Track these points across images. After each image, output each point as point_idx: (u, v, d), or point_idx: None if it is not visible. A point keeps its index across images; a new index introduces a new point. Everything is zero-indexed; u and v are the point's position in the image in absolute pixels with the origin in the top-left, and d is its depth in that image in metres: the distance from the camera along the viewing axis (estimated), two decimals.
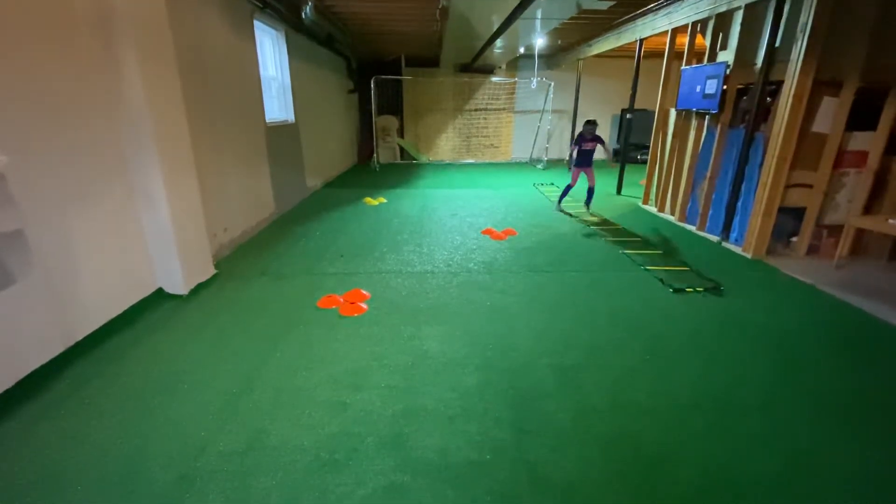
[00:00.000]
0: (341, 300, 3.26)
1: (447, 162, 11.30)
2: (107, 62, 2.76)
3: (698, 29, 5.22)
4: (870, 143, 4.02)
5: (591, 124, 5.66)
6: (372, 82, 9.64)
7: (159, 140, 2.99)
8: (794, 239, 4.40)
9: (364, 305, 3.18)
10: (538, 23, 6.68)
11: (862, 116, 3.97)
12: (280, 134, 5.77)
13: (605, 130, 12.02)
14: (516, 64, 11.30)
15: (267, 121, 5.30)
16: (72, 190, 2.56)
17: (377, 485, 1.69)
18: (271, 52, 5.97)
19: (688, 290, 3.49)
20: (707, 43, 5.04)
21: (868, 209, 4.18)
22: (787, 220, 4.38)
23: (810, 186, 4.18)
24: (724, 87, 4.58)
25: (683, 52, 5.44)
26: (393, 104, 10.86)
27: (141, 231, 3.12)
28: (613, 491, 1.68)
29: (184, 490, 1.66)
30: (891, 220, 3.64)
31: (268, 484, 1.69)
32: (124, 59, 2.79)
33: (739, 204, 4.51)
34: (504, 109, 11.61)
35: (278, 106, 6.17)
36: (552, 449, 1.88)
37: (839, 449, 1.90)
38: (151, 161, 2.99)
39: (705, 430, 2.00)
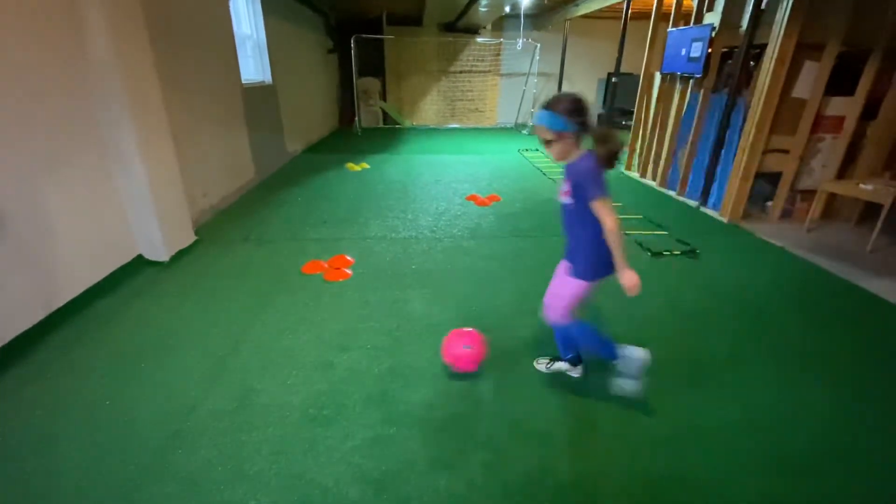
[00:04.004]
0: (326, 266, 3.27)
1: (431, 126, 11.09)
2: (70, 19, 2.60)
3: None
4: (847, 108, 4.09)
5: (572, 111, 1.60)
6: (352, 41, 9.27)
7: (130, 102, 2.86)
8: (769, 203, 4.53)
9: (349, 271, 3.20)
10: None
11: (839, 81, 4.01)
12: (257, 95, 5.56)
13: (591, 94, 11.90)
14: (502, 24, 10.95)
15: (243, 81, 5.09)
16: (42, 155, 2.46)
17: (364, 437, 1.77)
18: (245, 7, 5.67)
19: (665, 253, 3.59)
20: (694, 4, 4.96)
21: (841, 174, 4.30)
22: (764, 184, 4.49)
23: (787, 152, 4.26)
24: (710, 49, 4.56)
25: (671, 14, 5.35)
26: (375, 65, 10.49)
27: (118, 196, 3.04)
28: (588, 438, 1.80)
29: (176, 446, 1.71)
30: (861, 185, 3.77)
31: (258, 438, 1.75)
32: (88, 15, 2.63)
33: (719, 169, 4.59)
34: (489, 72, 11.33)
35: (254, 66, 5.92)
36: (531, 402, 1.98)
37: (799, 399, 2.05)
38: (124, 124, 2.88)
39: (676, 383, 2.12)
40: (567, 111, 1.58)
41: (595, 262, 1.78)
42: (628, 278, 1.69)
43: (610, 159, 1.61)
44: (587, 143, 1.66)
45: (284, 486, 1.56)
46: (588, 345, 1.98)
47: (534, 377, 2.13)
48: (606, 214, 1.61)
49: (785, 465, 1.69)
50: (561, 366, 2.15)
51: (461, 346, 2.08)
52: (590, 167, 1.61)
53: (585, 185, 1.62)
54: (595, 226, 1.67)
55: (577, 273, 1.83)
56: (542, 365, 2.19)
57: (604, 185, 1.61)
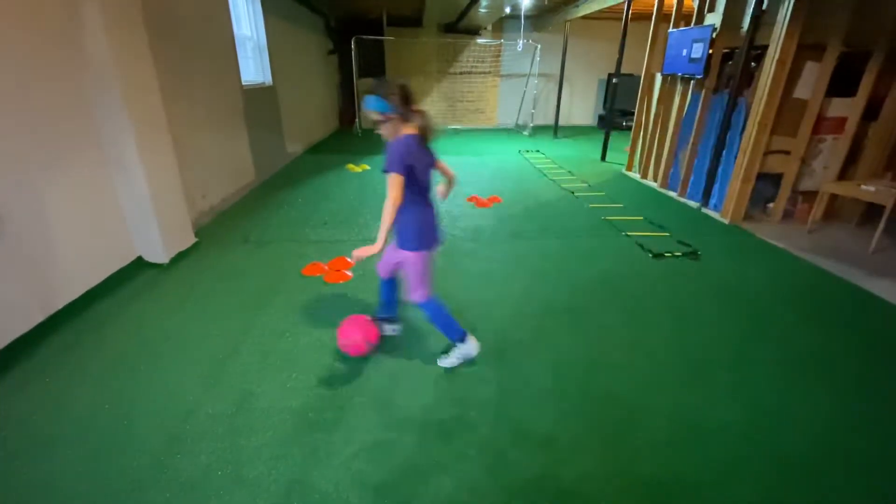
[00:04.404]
0: (326, 268, 3.26)
1: None
2: (69, 19, 2.58)
3: None
4: (848, 109, 4.08)
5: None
6: (352, 42, 9.26)
7: (130, 103, 2.85)
8: (771, 205, 4.51)
9: (349, 273, 3.19)
10: None
11: (840, 82, 4.00)
12: (257, 97, 5.55)
13: (592, 95, 11.89)
14: (502, 25, 10.94)
15: (243, 83, 5.09)
16: (41, 157, 2.45)
17: (365, 441, 1.75)
18: (245, 9, 5.66)
19: (666, 254, 3.58)
20: (695, 4, 4.95)
21: (842, 175, 4.29)
22: (765, 186, 4.47)
23: (788, 153, 4.24)
24: (710, 50, 4.54)
25: (671, 15, 5.34)
26: (375, 66, 10.48)
27: (117, 198, 3.03)
28: (589, 441, 1.78)
29: (174, 450, 1.70)
30: (863, 186, 3.75)
31: (258, 443, 1.74)
32: (87, 17, 2.62)
33: (720, 170, 4.57)
34: (489, 73, 11.32)
35: (254, 67, 5.91)
36: (533, 404, 1.96)
37: (801, 400, 2.03)
38: (123, 125, 2.86)
39: (677, 385, 2.11)
40: (390, 95, 1.78)
41: (417, 232, 1.97)
42: (367, 248, 1.86)
43: (427, 137, 1.88)
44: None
45: (284, 491, 1.55)
46: (439, 323, 2.13)
47: (535, 381, 2.12)
48: (392, 189, 1.80)
49: (786, 466, 1.68)
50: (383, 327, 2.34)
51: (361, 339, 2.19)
52: (400, 147, 1.80)
53: (387, 160, 1.80)
54: (415, 200, 1.90)
55: (402, 244, 2.01)
56: (389, 329, 2.39)
57: (402, 166, 1.79)
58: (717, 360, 2.31)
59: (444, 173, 2.12)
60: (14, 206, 2.29)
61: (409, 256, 2.00)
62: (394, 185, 1.80)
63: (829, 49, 3.86)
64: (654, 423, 1.88)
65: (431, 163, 1.97)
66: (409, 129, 1.84)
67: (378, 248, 1.85)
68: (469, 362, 2.22)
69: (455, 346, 2.19)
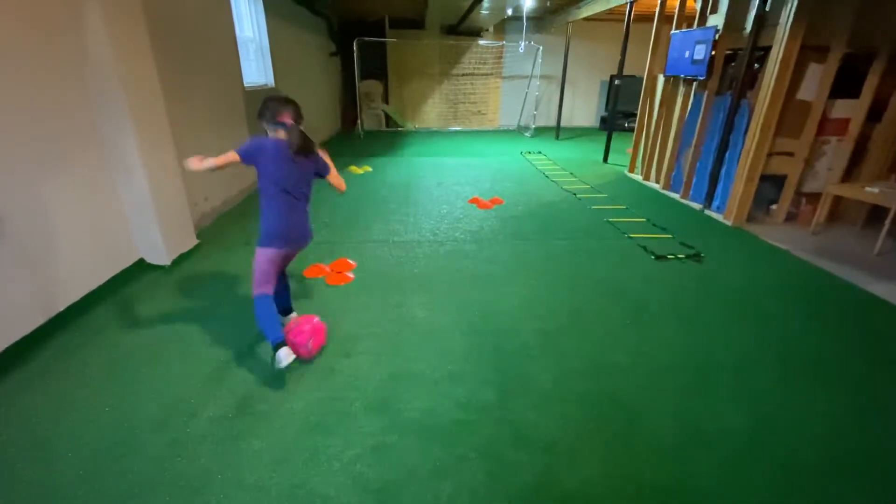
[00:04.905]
0: (328, 269, 3.25)
1: (433, 129, 11.09)
2: (70, 19, 2.59)
3: None
4: (852, 110, 4.06)
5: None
6: (354, 45, 9.28)
7: (131, 103, 2.86)
8: (774, 206, 4.49)
9: (350, 275, 3.19)
10: None
11: (844, 84, 3.98)
12: (259, 98, 5.55)
13: (594, 97, 11.88)
14: (503, 27, 10.96)
15: (245, 85, 5.10)
16: (41, 157, 2.45)
17: (366, 445, 1.74)
18: (247, 11, 5.68)
19: (669, 257, 3.56)
20: (697, 6, 4.94)
21: (846, 177, 4.26)
22: (768, 187, 4.46)
23: (791, 154, 4.23)
24: (713, 52, 4.53)
25: (674, 16, 5.33)
26: (377, 68, 10.49)
27: (118, 199, 3.03)
28: (591, 445, 1.77)
29: (176, 454, 1.69)
30: (867, 188, 3.73)
31: (259, 446, 1.73)
32: (88, 15, 2.62)
33: (723, 172, 4.56)
34: (491, 75, 11.33)
35: (256, 69, 5.92)
36: (534, 408, 1.95)
37: (805, 404, 2.01)
38: (124, 126, 2.87)
39: (680, 389, 2.09)
40: (262, 112, 2.09)
41: (267, 231, 2.11)
42: (196, 160, 1.95)
43: (299, 143, 2.04)
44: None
45: (285, 495, 1.54)
46: (260, 322, 2.08)
47: (537, 383, 2.11)
48: (222, 156, 1.94)
49: (790, 470, 1.66)
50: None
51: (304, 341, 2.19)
52: (253, 140, 2.05)
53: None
54: (271, 198, 2.07)
55: (258, 240, 2.14)
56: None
57: (243, 151, 1.99)
58: (720, 362, 2.29)
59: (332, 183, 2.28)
60: (14, 207, 2.29)
61: (257, 251, 2.12)
62: (224, 155, 1.95)
63: (832, 50, 3.84)
64: (656, 426, 1.87)
65: (303, 171, 2.12)
66: (278, 137, 2.08)
67: (201, 164, 1.94)
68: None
69: (272, 347, 2.03)
